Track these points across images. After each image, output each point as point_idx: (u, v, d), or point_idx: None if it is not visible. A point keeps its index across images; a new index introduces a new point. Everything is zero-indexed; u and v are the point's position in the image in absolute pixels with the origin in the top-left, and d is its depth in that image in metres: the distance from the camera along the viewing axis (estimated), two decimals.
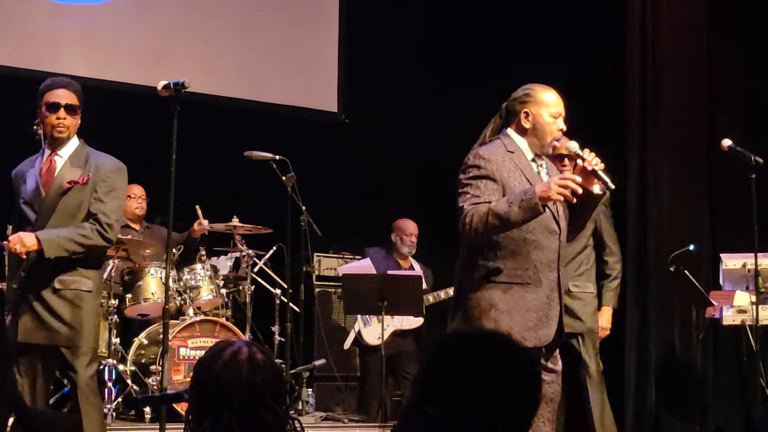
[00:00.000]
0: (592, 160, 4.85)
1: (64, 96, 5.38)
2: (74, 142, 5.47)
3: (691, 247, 7.86)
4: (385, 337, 8.38)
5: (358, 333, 8.47)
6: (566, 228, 5.07)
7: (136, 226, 8.36)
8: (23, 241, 5.18)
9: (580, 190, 4.69)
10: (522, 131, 5.06)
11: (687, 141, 8.84)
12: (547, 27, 9.64)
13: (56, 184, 5.36)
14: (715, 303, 7.61)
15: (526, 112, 5.04)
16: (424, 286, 8.60)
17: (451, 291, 8.15)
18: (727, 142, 6.64)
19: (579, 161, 4.90)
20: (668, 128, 8.83)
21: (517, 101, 5.10)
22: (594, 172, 4.86)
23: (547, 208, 4.86)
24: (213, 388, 3.05)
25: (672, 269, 7.64)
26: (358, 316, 8.44)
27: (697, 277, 7.74)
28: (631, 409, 8.54)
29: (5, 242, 5.26)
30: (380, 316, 7.83)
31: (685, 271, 7.55)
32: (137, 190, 8.33)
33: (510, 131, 5.08)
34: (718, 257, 7.88)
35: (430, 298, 8.48)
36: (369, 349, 8.47)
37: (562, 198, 4.70)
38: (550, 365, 5.10)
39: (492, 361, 2.28)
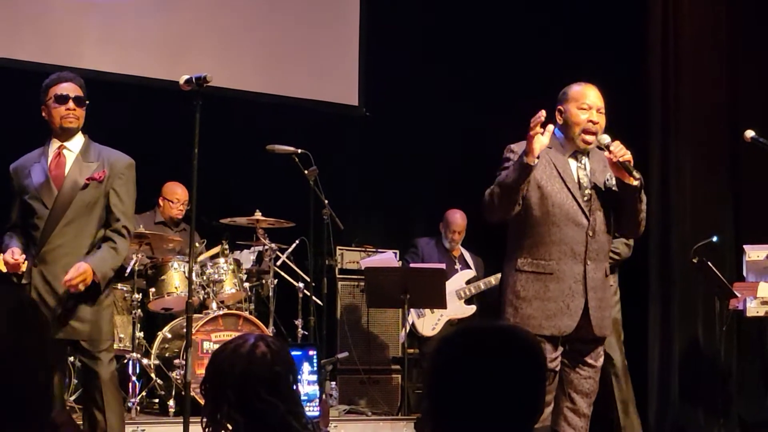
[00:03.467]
0: (618, 152, 4.96)
1: (71, 89, 5.44)
2: (80, 137, 5.50)
3: (714, 239, 7.84)
4: (440, 328, 8.40)
5: (412, 325, 8.43)
6: (601, 222, 5.15)
7: (172, 226, 8.40)
8: (86, 280, 5.21)
9: (539, 131, 4.82)
10: (560, 128, 5.19)
11: (709, 132, 8.81)
12: (569, 21, 9.61)
13: (71, 179, 5.39)
14: (738, 295, 7.58)
15: (559, 109, 5.18)
16: (474, 274, 8.63)
17: (492, 280, 8.21)
18: (750, 133, 6.62)
19: (607, 153, 4.99)
20: (690, 119, 8.80)
21: (557, 102, 5.23)
22: (621, 164, 4.95)
23: (575, 201, 5.06)
24: (213, 381, 3.12)
25: (695, 261, 7.61)
26: (411, 309, 8.34)
27: (721, 269, 7.71)
28: (655, 402, 8.52)
29: (68, 280, 5.18)
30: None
31: (708, 263, 7.52)
32: (180, 195, 8.32)
33: (556, 129, 5.19)
34: (741, 248, 7.85)
35: (481, 285, 8.52)
36: (424, 340, 8.47)
37: (536, 131, 4.82)
38: (589, 360, 5.18)
39: (492, 354, 2.28)
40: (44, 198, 5.35)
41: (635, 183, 5.03)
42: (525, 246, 5.12)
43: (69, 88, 5.44)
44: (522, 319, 4.99)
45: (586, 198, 5.10)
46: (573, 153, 5.18)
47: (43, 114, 5.48)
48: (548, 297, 5.05)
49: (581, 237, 5.08)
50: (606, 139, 5.07)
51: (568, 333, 5.04)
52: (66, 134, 5.46)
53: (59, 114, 5.41)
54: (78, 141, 5.49)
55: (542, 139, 4.86)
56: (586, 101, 5.13)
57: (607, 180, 5.15)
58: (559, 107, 5.19)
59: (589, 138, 5.12)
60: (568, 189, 5.08)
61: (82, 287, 5.20)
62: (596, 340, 5.19)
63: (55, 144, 5.48)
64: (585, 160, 5.20)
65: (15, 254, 5.25)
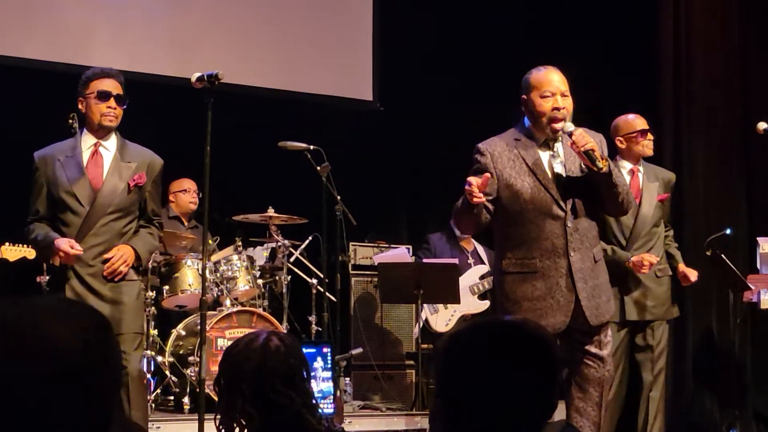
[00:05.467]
0: (579, 142, 4.86)
1: (113, 86, 5.39)
2: (114, 135, 5.47)
3: (728, 231, 7.80)
4: (453, 323, 8.37)
5: (426, 321, 8.39)
6: (580, 209, 5.06)
7: (185, 221, 8.43)
8: (128, 260, 5.29)
9: (475, 193, 4.73)
10: (528, 117, 5.11)
11: (722, 124, 8.79)
12: (580, 15, 9.58)
13: (111, 182, 5.36)
14: (752, 287, 7.55)
15: (523, 99, 5.07)
16: (488, 269, 8.61)
17: None
18: (763, 125, 6.61)
19: (569, 141, 4.93)
20: (703, 112, 8.77)
21: (520, 90, 5.14)
22: (584, 154, 4.86)
23: (548, 194, 4.99)
24: (228, 376, 3.14)
25: (708, 253, 7.59)
26: (424, 305, 8.31)
27: (734, 261, 7.68)
28: (669, 394, 8.51)
29: (110, 258, 5.27)
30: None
31: (722, 255, 7.49)
32: (190, 184, 8.38)
33: (525, 118, 5.14)
34: (755, 240, 7.83)
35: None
36: (438, 336, 8.45)
37: (474, 199, 4.75)
38: (592, 349, 5.11)
39: (502, 350, 2.26)
40: (80, 195, 5.31)
41: (603, 170, 4.92)
42: (507, 247, 5.08)
43: (111, 85, 5.39)
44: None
45: (560, 187, 5.02)
46: (544, 141, 5.10)
47: (80, 106, 5.43)
48: (536, 296, 4.99)
49: (559, 230, 5.00)
50: (570, 127, 4.95)
51: (563, 329, 4.99)
52: (103, 131, 5.42)
53: (99, 111, 5.35)
54: (114, 139, 5.46)
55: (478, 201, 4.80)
56: (548, 88, 5.00)
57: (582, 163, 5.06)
58: (523, 97, 5.07)
59: (557, 125, 5.01)
60: (540, 182, 5.00)
61: (124, 268, 5.26)
62: (596, 329, 5.13)
63: (90, 139, 5.43)
64: (558, 146, 5.10)
65: (75, 245, 5.22)
